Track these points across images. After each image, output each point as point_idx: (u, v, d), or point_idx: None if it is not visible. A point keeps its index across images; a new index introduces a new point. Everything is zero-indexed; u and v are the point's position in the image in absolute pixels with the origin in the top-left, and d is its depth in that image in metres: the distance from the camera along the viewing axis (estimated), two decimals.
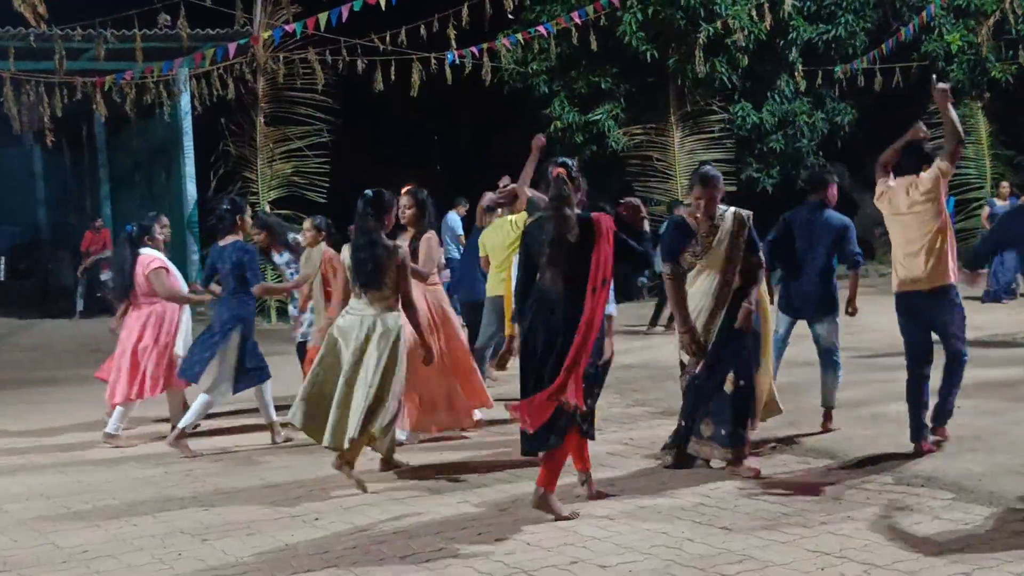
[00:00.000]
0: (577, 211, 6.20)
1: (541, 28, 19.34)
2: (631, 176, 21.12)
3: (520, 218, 8.92)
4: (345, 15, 16.19)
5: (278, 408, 8.84)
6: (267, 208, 18.35)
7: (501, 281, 9.66)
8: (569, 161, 6.41)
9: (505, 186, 9.43)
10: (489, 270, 10.15)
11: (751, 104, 21.72)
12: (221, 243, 8.78)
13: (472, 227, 10.91)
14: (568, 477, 6.94)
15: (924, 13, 20.68)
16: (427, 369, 7.70)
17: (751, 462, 7.03)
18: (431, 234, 8.36)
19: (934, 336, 7.33)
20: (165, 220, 9.85)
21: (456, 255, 15.66)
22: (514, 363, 6.65)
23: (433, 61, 18.54)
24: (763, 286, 7.19)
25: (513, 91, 22.31)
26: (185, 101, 19.57)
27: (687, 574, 5.10)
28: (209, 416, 9.72)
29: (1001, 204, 17.77)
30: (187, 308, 9.48)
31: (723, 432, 6.92)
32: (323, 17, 16.27)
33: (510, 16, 18.48)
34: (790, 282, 8.24)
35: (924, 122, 7.66)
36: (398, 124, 24.48)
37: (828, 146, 22.71)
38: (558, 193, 6.16)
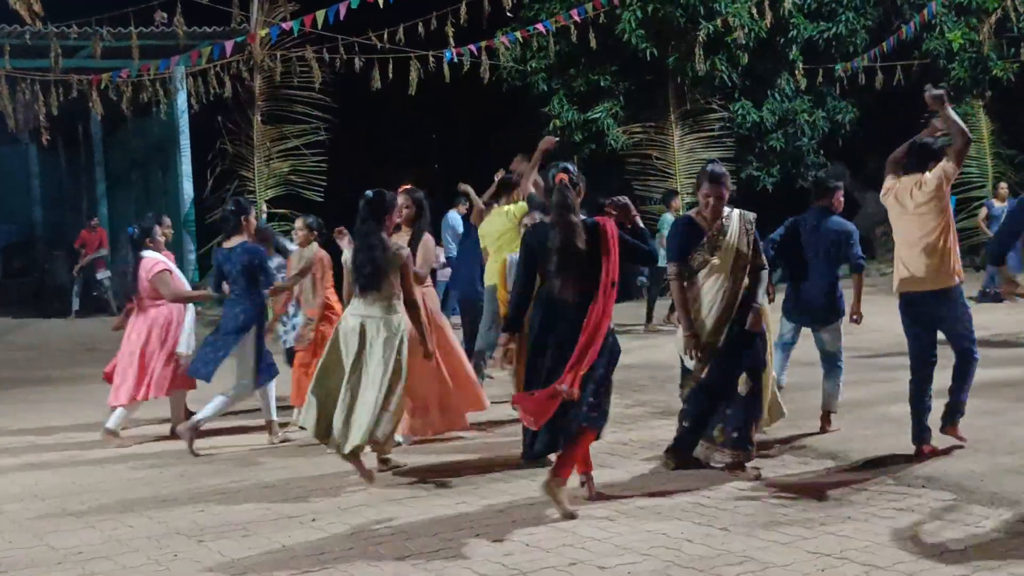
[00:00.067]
0: (582, 216, 6.24)
1: (540, 26, 19.33)
2: (630, 175, 21.05)
3: (516, 209, 8.86)
4: (343, 13, 16.17)
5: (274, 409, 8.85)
6: (264, 207, 18.30)
7: (497, 271, 9.60)
8: (571, 167, 6.42)
9: (501, 179, 9.39)
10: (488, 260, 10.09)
11: (751, 102, 21.66)
12: (227, 245, 8.78)
13: (468, 226, 10.85)
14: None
15: (925, 11, 20.62)
16: (421, 373, 7.71)
17: (752, 463, 7.01)
18: (428, 237, 8.38)
19: (940, 337, 7.27)
20: (167, 221, 9.94)
21: (456, 253, 15.57)
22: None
23: (431, 59, 18.52)
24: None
25: (512, 89, 22.27)
26: (182, 99, 19.58)
27: (686, 575, 5.06)
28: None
29: (999, 205, 17.72)
30: (190, 307, 9.49)
31: (735, 435, 6.88)
32: (320, 15, 16.25)
33: (509, 14, 18.46)
34: (795, 289, 8.21)
35: (926, 119, 7.58)
36: (396, 122, 24.47)
37: (829, 145, 22.67)
38: (563, 200, 6.18)
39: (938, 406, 7.31)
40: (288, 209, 17.87)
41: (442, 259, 17.17)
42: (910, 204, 7.17)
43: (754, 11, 20.14)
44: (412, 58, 18.32)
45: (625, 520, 6.00)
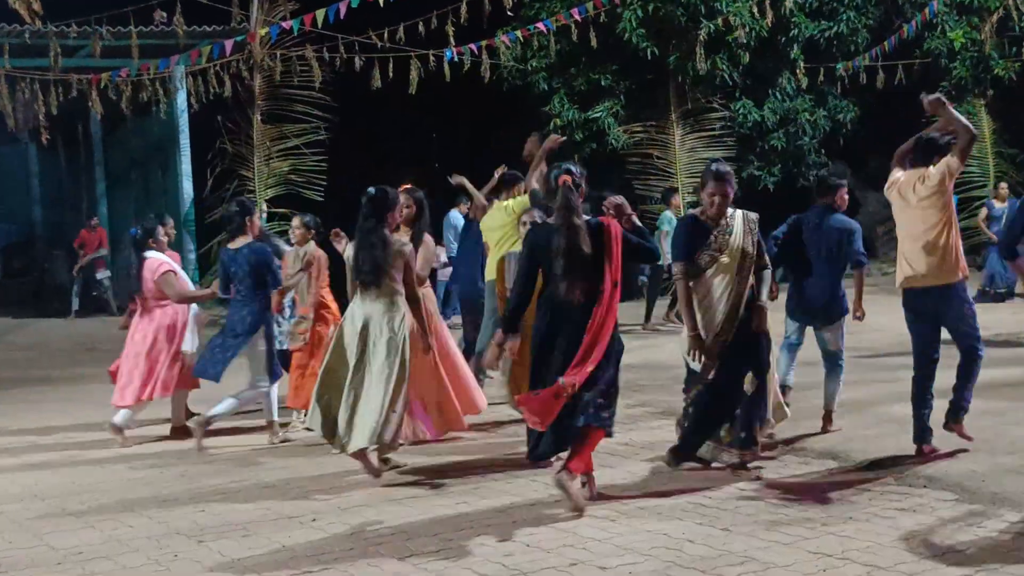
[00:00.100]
0: (585, 217, 6.25)
1: (540, 25, 19.29)
2: (631, 174, 21.01)
3: (516, 204, 8.86)
4: (343, 12, 16.16)
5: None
6: (264, 207, 18.27)
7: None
8: (574, 167, 6.41)
9: (502, 174, 9.36)
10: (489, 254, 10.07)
11: (752, 102, 21.59)
12: (232, 246, 8.76)
13: (468, 222, 10.81)
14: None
15: (927, 10, 20.58)
16: (419, 374, 7.70)
17: (753, 463, 7.01)
18: (428, 237, 8.41)
19: (944, 336, 7.22)
20: (170, 222, 9.99)
21: (456, 251, 15.54)
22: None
23: (431, 58, 18.49)
24: None
25: (512, 88, 22.23)
26: (181, 99, 19.55)
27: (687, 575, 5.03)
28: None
29: (1000, 206, 17.66)
30: (193, 305, 9.50)
31: (742, 435, 6.87)
32: (320, 14, 16.24)
33: (509, 13, 18.42)
34: (798, 287, 8.17)
35: (927, 119, 7.55)
36: (396, 122, 24.45)
37: (830, 144, 22.62)
38: (567, 203, 6.20)
39: (941, 405, 7.28)
40: (288, 209, 17.79)
41: (443, 259, 17.19)
42: (913, 198, 7.13)
43: (755, 10, 20.07)
44: (412, 57, 18.29)
45: (626, 520, 5.99)
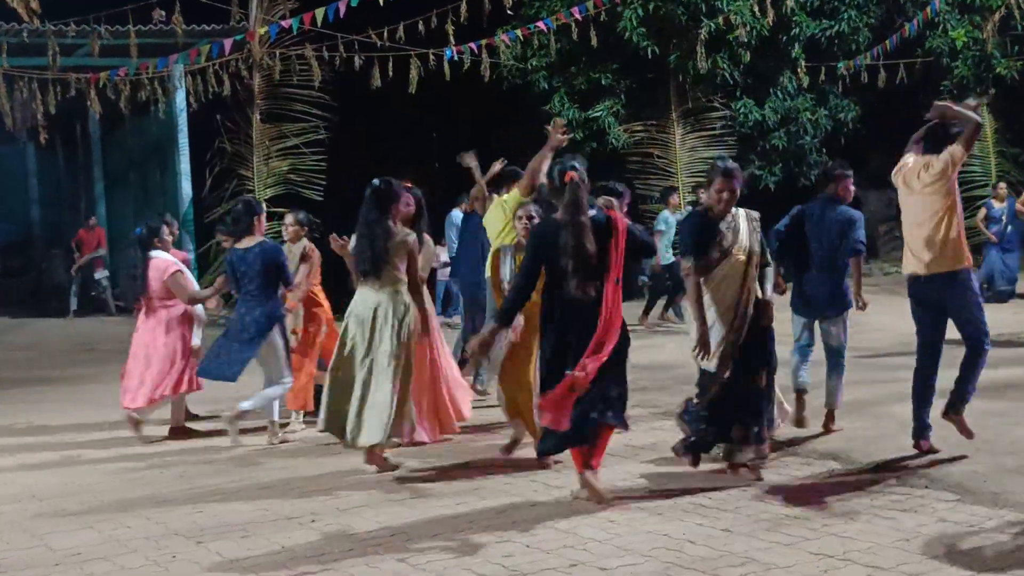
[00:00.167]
0: (592, 212, 6.28)
1: (540, 24, 19.26)
2: (631, 173, 20.93)
3: (511, 198, 8.82)
4: (342, 11, 16.15)
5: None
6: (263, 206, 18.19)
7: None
8: (579, 164, 6.41)
9: (501, 169, 9.32)
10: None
11: (753, 101, 21.50)
12: (240, 245, 8.73)
13: (467, 216, 10.77)
14: (564, 478, 6.92)
15: (928, 8, 20.53)
16: (416, 375, 7.71)
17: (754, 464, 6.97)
18: (428, 238, 8.44)
19: (949, 337, 7.16)
20: (174, 221, 10.05)
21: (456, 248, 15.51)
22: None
23: (431, 57, 18.45)
24: None
25: (512, 87, 22.14)
26: (180, 98, 19.49)
27: None
28: (205, 417, 9.83)
29: (998, 206, 17.59)
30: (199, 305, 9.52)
31: (755, 431, 6.84)
32: (320, 13, 16.23)
33: (509, 12, 18.37)
34: (801, 281, 8.11)
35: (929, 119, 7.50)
36: (396, 121, 24.37)
37: (831, 143, 22.51)
38: (575, 199, 6.22)
39: (941, 404, 7.25)
40: (287, 208, 17.75)
41: (443, 259, 17.15)
42: (917, 185, 7.11)
43: (756, 9, 19.99)
44: (412, 56, 18.26)
45: (626, 521, 5.97)
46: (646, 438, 8.16)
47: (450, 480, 7.16)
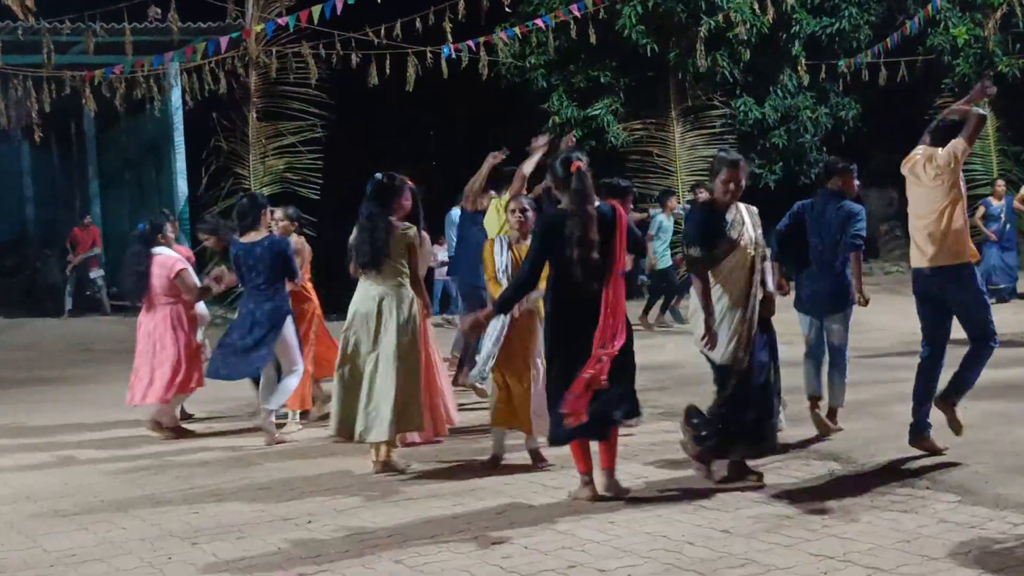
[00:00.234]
0: (597, 203, 6.32)
1: (539, 21, 19.27)
2: (631, 172, 20.82)
3: (502, 201, 8.74)
4: (339, 8, 16.14)
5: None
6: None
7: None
8: (582, 156, 6.45)
9: (501, 168, 9.25)
10: None
11: (753, 99, 21.51)
12: (245, 239, 8.70)
13: (464, 215, 10.67)
14: (562, 479, 6.91)
15: (929, 6, 20.52)
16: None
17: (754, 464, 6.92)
18: (425, 235, 8.38)
19: (956, 337, 7.07)
20: (174, 218, 10.12)
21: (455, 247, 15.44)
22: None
23: (429, 55, 18.42)
24: None
25: (510, 85, 22.15)
26: (176, 96, 19.41)
27: None
28: (202, 419, 9.84)
29: (997, 203, 17.52)
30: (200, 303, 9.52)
31: (770, 425, 6.79)
32: (316, 10, 16.23)
33: (507, 9, 18.36)
34: (802, 277, 8.03)
35: (930, 116, 7.41)
36: (393, 119, 24.35)
37: (832, 141, 22.50)
38: (583, 188, 6.25)
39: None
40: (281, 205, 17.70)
41: (441, 257, 17.06)
42: (924, 177, 7.08)
43: (756, 6, 19.98)
44: (410, 54, 18.21)
45: (625, 522, 5.94)
46: (645, 439, 8.11)
47: (448, 481, 7.12)
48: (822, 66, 21.64)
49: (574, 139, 8.60)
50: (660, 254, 15.62)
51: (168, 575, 5.40)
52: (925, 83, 22.02)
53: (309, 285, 9.51)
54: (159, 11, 17.04)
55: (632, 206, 8.63)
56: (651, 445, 7.83)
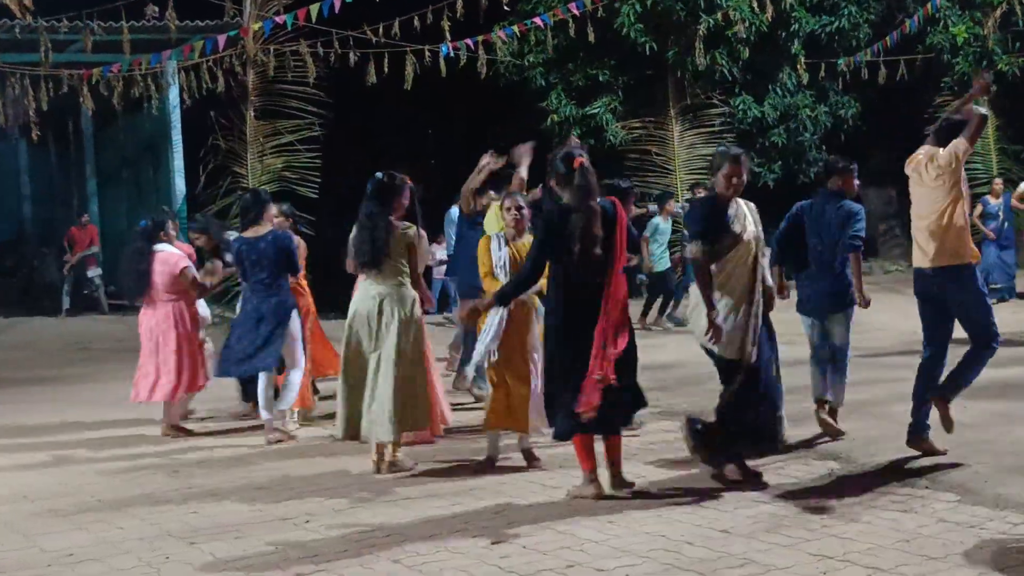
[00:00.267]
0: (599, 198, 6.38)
1: (537, 20, 19.23)
2: (630, 171, 20.82)
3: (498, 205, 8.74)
4: (337, 6, 16.10)
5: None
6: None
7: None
8: (584, 152, 6.52)
9: (487, 164, 9.22)
10: None
11: (752, 97, 21.48)
12: (249, 234, 8.69)
13: (460, 215, 10.65)
14: (561, 479, 6.90)
15: (929, 5, 20.50)
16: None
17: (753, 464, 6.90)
18: (422, 233, 8.30)
19: (960, 338, 7.05)
20: (175, 217, 9.73)
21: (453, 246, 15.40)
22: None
23: (427, 53, 18.34)
24: None
25: (509, 84, 22.10)
26: (174, 94, 19.33)
27: None
28: (201, 418, 9.83)
29: (994, 202, 17.50)
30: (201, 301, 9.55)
31: (780, 417, 6.79)
32: (315, 8, 16.17)
33: (506, 7, 18.32)
34: (802, 278, 7.99)
35: (929, 115, 7.39)
36: (391, 118, 24.29)
37: (831, 140, 22.49)
38: (587, 183, 6.29)
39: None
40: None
41: (439, 256, 17.03)
42: (926, 177, 7.06)
43: (755, 4, 19.94)
44: (408, 52, 18.14)
45: (624, 522, 5.93)
46: (645, 439, 8.10)
47: (446, 481, 7.11)
48: (821, 64, 21.59)
49: (576, 139, 8.60)
50: (658, 257, 15.58)
51: (166, 575, 5.39)
52: (924, 82, 22.00)
53: (304, 282, 9.51)
54: (157, 9, 16.94)
55: (634, 207, 8.62)
56: (650, 445, 7.82)
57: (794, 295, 8.08)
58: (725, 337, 6.47)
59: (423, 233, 8.42)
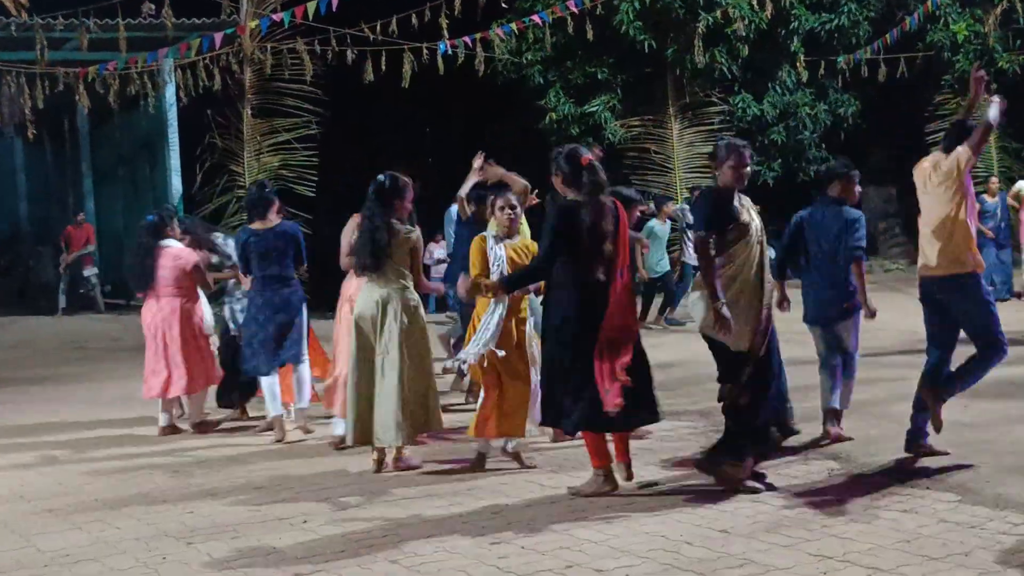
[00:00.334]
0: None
1: (536, 17, 19.13)
2: (628, 169, 20.85)
3: None
4: (334, 4, 16.02)
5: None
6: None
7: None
8: (587, 150, 6.60)
9: (481, 166, 9.17)
10: None
11: (752, 95, 21.42)
12: (256, 227, 8.64)
13: (459, 220, 10.56)
14: (560, 479, 6.90)
15: (929, 2, 20.45)
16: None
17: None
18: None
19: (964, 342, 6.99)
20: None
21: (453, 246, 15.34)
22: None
23: (425, 51, 18.27)
24: None
25: (507, 82, 22.01)
26: (170, 92, 19.28)
27: None
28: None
29: (991, 201, 17.41)
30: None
31: (790, 409, 6.83)
32: (312, 6, 16.10)
33: (504, 5, 18.29)
34: (806, 287, 7.89)
35: (930, 113, 7.33)
36: (389, 116, 24.24)
37: (831, 138, 22.47)
38: (598, 179, 6.38)
39: (946, 415, 7.09)
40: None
41: (436, 255, 16.99)
42: (929, 184, 7.02)
43: (754, 2, 19.91)
44: (405, 50, 18.07)
45: (623, 522, 5.92)
46: (645, 439, 8.02)
47: (444, 481, 7.09)
48: (821, 62, 21.49)
49: (601, 151, 8.63)
50: (656, 260, 15.50)
51: (163, 575, 5.38)
52: (925, 80, 21.92)
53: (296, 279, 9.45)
54: (153, 7, 16.82)
55: (640, 214, 8.61)
56: (650, 445, 7.80)
57: (796, 301, 7.99)
58: (735, 328, 6.36)
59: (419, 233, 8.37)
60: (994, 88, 7.25)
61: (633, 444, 7.73)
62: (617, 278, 6.30)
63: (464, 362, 7.19)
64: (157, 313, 9.13)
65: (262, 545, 5.77)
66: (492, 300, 7.02)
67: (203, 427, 9.16)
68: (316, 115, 18.64)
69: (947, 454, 7.00)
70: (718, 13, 20.24)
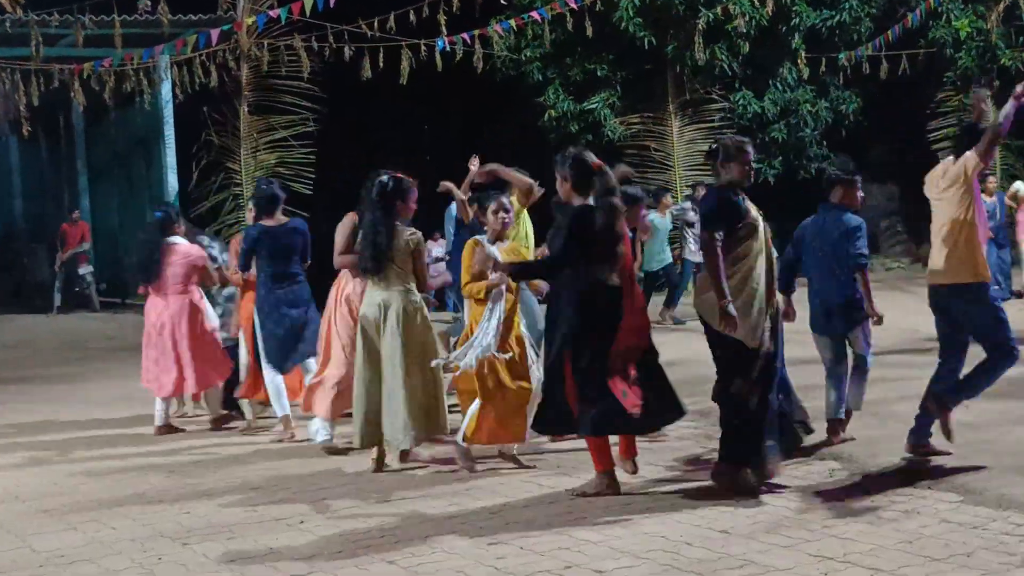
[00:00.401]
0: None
1: (535, 13, 19.09)
2: (628, 167, 20.65)
3: (517, 209, 8.59)
4: (332, 0, 15.88)
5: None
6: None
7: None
8: (592, 154, 6.70)
9: (478, 168, 9.11)
10: None
11: (752, 92, 21.32)
12: (266, 223, 8.62)
13: (459, 225, 10.47)
14: (558, 479, 6.89)
15: None
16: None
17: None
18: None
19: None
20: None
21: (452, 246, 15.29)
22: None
23: (423, 48, 18.24)
24: None
25: (506, 79, 21.93)
26: (166, 89, 19.17)
27: None
28: (194, 416, 9.85)
29: (989, 200, 17.24)
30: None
31: (803, 407, 6.77)
32: (309, 2, 16.03)
33: (503, 1, 18.21)
34: (812, 295, 7.74)
35: (931, 110, 7.25)
36: (387, 113, 24.22)
37: (832, 136, 22.40)
38: (609, 183, 6.46)
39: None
40: None
41: (436, 253, 16.87)
42: (936, 191, 6.97)
43: None
44: (403, 47, 18.05)
45: (622, 523, 5.91)
46: (644, 439, 7.84)
47: (442, 481, 7.06)
48: (822, 59, 21.43)
49: (629, 172, 8.59)
50: (656, 253, 15.40)
51: None
52: (927, 76, 21.84)
53: None
54: (149, 3, 16.85)
55: (645, 211, 8.60)
56: (650, 445, 7.72)
57: (803, 308, 7.84)
58: (746, 324, 6.29)
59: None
60: (996, 85, 7.12)
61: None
62: (630, 277, 6.42)
63: (452, 361, 7.12)
64: (164, 311, 9.10)
65: (259, 546, 5.75)
66: (488, 306, 6.98)
67: (221, 422, 9.21)
68: (313, 112, 18.61)
69: (949, 454, 6.95)
70: (719, 9, 20.14)
